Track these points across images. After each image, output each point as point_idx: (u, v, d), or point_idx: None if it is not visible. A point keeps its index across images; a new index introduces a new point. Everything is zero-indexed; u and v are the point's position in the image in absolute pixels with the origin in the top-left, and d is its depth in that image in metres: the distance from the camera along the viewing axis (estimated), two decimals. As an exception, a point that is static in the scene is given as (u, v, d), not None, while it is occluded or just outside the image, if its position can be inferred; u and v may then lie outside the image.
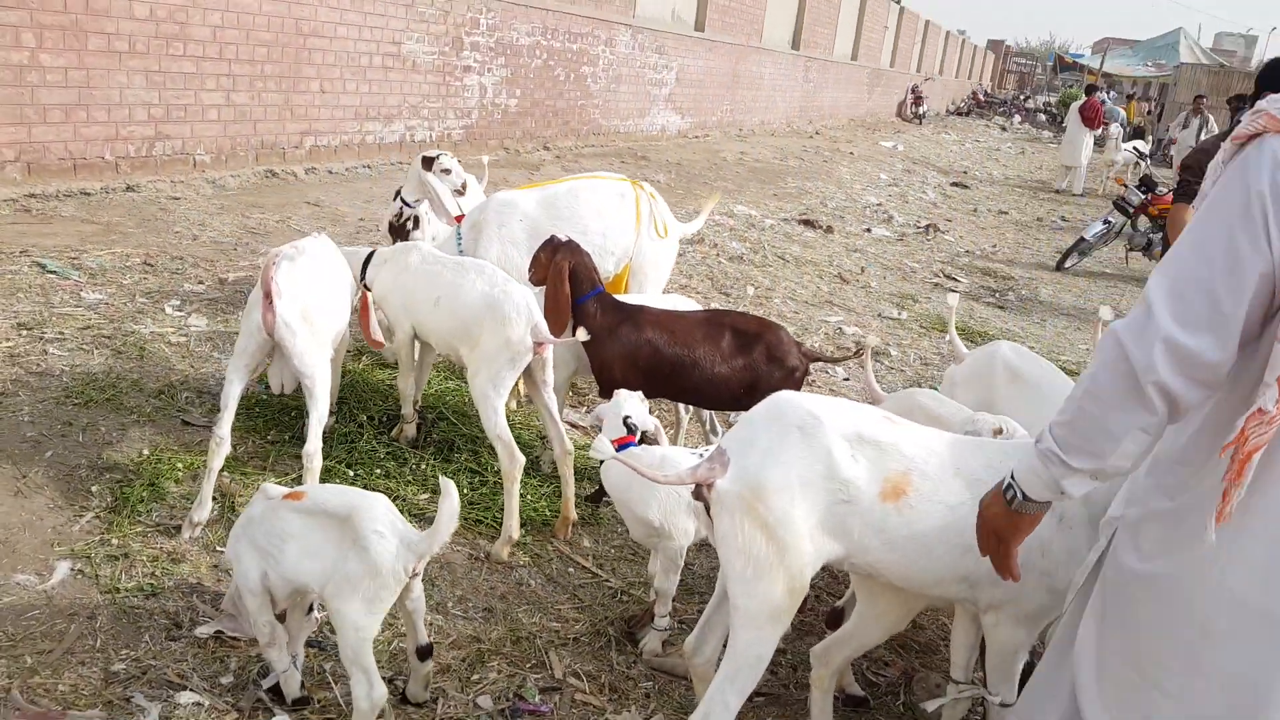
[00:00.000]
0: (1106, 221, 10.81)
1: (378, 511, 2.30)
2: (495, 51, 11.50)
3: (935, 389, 3.58)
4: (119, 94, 7.16)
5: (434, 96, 10.62)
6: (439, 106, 10.73)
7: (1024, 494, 1.73)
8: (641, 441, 2.93)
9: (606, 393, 3.37)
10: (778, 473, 2.08)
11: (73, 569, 2.77)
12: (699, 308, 3.84)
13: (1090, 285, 10.22)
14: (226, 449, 3.04)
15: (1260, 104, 1.59)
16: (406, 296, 3.58)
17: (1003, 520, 1.79)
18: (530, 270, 3.60)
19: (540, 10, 12.21)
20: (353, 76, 9.39)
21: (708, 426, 4.27)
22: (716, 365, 3.43)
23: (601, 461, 2.90)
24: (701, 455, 2.74)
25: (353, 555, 2.25)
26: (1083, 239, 10.74)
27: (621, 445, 2.89)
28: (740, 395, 3.48)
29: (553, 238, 3.61)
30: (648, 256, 4.43)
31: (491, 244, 4.34)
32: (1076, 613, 1.92)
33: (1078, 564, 2.07)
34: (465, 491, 3.56)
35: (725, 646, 2.22)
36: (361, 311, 3.70)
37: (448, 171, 4.61)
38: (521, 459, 3.27)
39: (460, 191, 4.61)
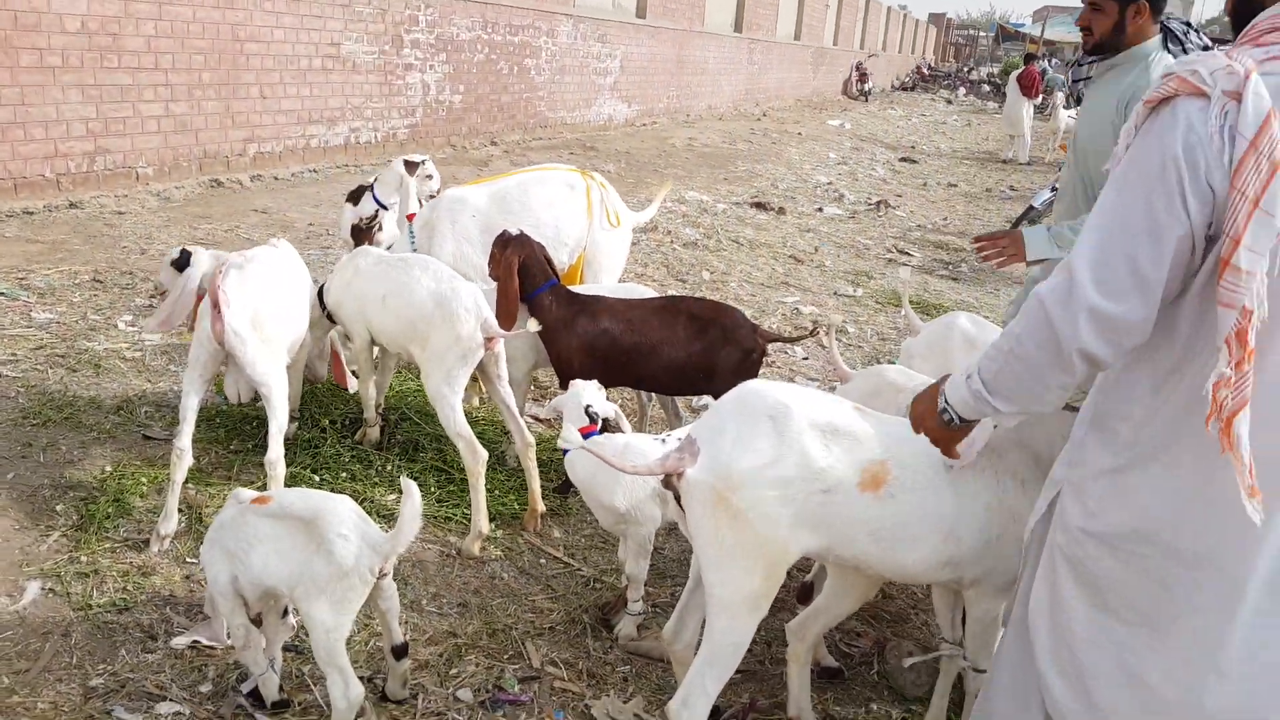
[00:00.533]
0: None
1: (342, 514, 2.32)
2: (436, 48, 11.43)
3: (894, 363, 3.65)
4: (55, 110, 7.06)
5: (376, 96, 10.54)
6: (382, 106, 10.66)
7: (960, 418, 1.88)
8: (603, 430, 2.97)
9: (566, 384, 3.40)
10: (749, 461, 2.08)
11: (43, 588, 2.76)
12: (655, 295, 3.88)
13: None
14: (188, 460, 3.04)
15: (1170, 65, 1.63)
16: (358, 300, 3.58)
17: (937, 431, 1.95)
18: (489, 266, 3.62)
19: (479, 4, 12.16)
20: (293, 80, 9.30)
21: (671, 412, 4.31)
22: (673, 351, 3.48)
23: (566, 451, 2.94)
24: (664, 441, 2.79)
25: (319, 558, 2.27)
26: (1031, 206, 10.89)
27: (585, 434, 2.93)
28: (699, 380, 3.53)
29: (504, 232, 3.63)
30: (601, 246, 4.46)
31: (445, 241, 4.35)
32: (1030, 575, 1.95)
33: None
34: (433, 489, 3.59)
35: (704, 631, 2.25)
36: (333, 356, 3.72)
37: (430, 177, 4.68)
38: (484, 454, 3.30)
39: (434, 195, 4.68)
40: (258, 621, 2.43)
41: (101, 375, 4.21)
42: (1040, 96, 17.94)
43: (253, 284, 3.11)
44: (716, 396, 3.61)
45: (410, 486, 2.28)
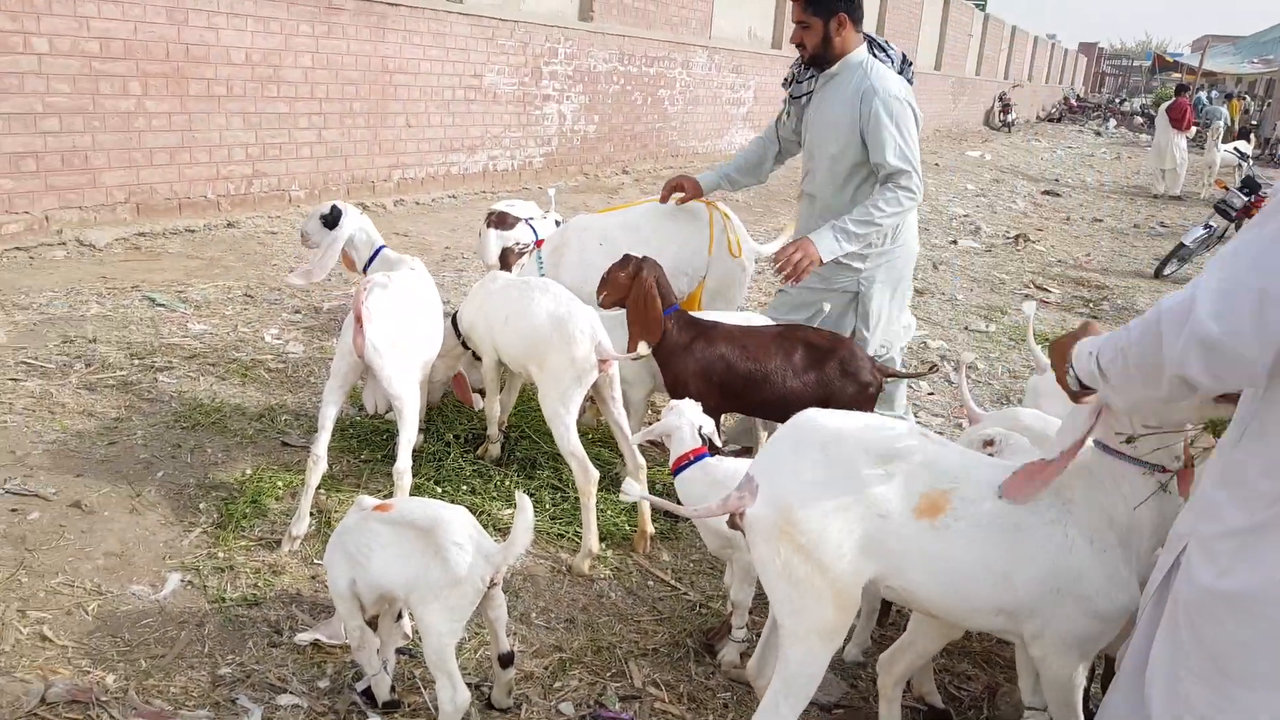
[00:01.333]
0: (1208, 226, 10.49)
1: (458, 524, 2.41)
2: (573, 79, 11.73)
3: (1021, 401, 3.56)
4: (219, 135, 7.55)
5: (514, 126, 10.89)
6: (519, 135, 11.00)
7: (1080, 381, 1.93)
8: (713, 451, 2.99)
9: None
10: (805, 494, 2.06)
11: (183, 580, 2.95)
12: (772, 324, 3.89)
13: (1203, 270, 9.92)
14: (323, 467, 3.20)
15: None
16: (486, 321, 3.72)
17: (1066, 388, 2.02)
18: (601, 292, 3.68)
19: (617, 37, 12.43)
20: (436, 110, 9.71)
21: None
22: (788, 379, 3.48)
23: (677, 473, 2.97)
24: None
25: (434, 565, 2.36)
26: (1182, 244, 10.43)
27: (697, 456, 2.95)
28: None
29: (627, 256, 3.70)
30: (721, 275, 4.50)
31: (572, 268, 4.46)
32: (1146, 634, 1.87)
33: (1119, 587, 2.05)
34: (547, 507, 3.67)
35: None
36: (457, 377, 3.89)
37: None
38: (595, 474, 3.36)
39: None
40: (374, 624, 2.54)
41: (247, 384, 4.47)
42: (1193, 129, 17.13)
43: (394, 303, 3.27)
44: None
45: (524, 500, 2.36)
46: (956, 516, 2.07)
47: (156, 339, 4.86)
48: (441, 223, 8.85)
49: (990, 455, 2.62)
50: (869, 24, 22.11)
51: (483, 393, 3.93)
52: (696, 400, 3.08)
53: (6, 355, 4.36)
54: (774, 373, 3.48)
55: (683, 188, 4.38)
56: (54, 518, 3.15)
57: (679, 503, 2.81)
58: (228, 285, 6.01)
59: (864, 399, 3.48)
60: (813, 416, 2.23)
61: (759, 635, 3.06)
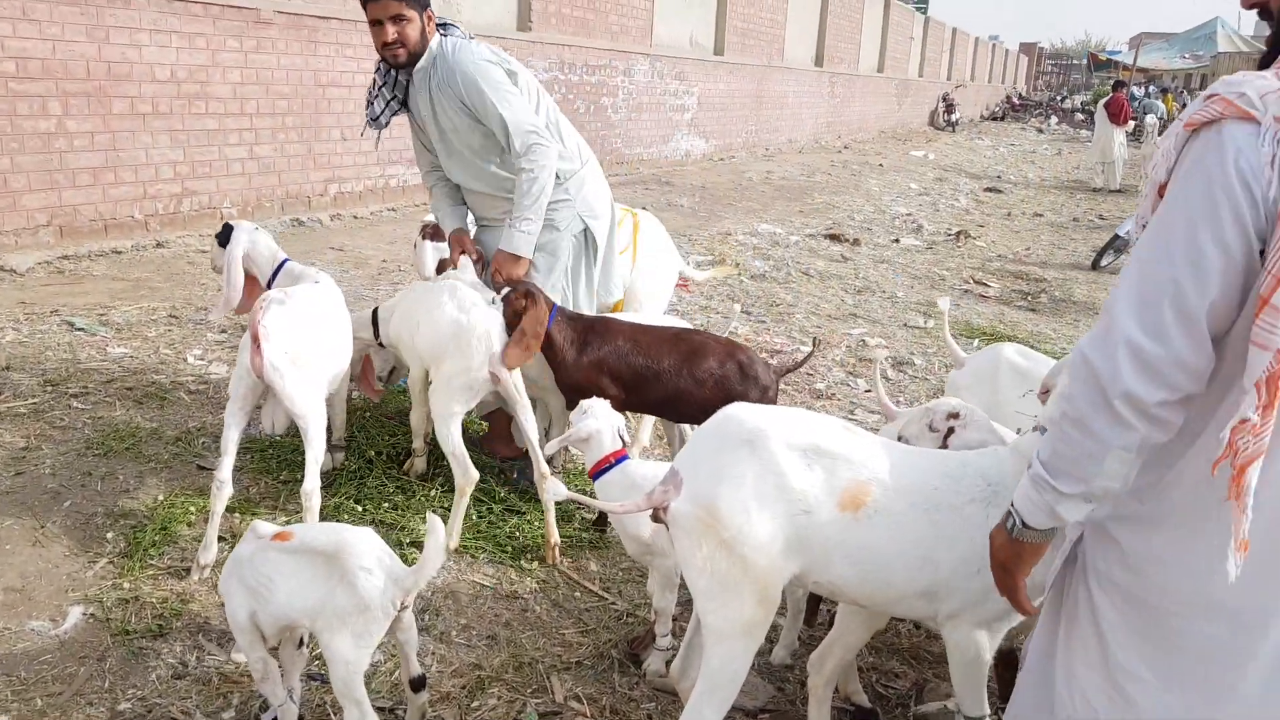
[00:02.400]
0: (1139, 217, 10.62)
1: (365, 547, 2.33)
2: (514, 88, 11.64)
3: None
4: (145, 154, 7.40)
5: (455, 136, 10.77)
6: (461, 146, 10.89)
7: (1022, 521, 1.67)
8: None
9: (571, 404, 3.38)
10: (728, 489, 2.05)
11: (85, 614, 2.85)
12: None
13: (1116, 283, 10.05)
14: (228, 492, 3.11)
15: (1214, 87, 1.50)
16: (407, 327, 3.64)
17: (1006, 550, 1.72)
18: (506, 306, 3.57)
19: (556, 46, 12.38)
20: (373, 122, 9.56)
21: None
22: (682, 379, 3.47)
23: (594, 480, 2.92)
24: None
25: (341, 591, 2.28)
26: (1117, 235, 10.55)
27: (618, 459, 2.88)
28: (708, 411, 3.54)
29: (520, 284, 3.62)
30: (641, 282, 4.49)
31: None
32: (1049, 622, 1.86)
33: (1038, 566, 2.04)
34: (471, 518, 3.60)
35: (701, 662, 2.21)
36: (364, 363, 3.81)
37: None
38: (475, 475, 3.42)
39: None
40: (275, 651, 2.46)
41: (166, 408, 4.36)
42: (1130, 123, 17.44)
43: (292, 319, 3.18)
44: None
45: (435, 522, 2.29)
46: (878, 507, 2.06)
47: (73, 364, 4.72)
48: (380, 236, 8.74)
49: (952, 428, 2.59)
50: (808, 31, 22.31)
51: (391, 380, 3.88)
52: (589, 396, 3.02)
53: (-90, 386, 4.22)
54: (668, 371, 3.47)
55: (465, 246, 3.94)
56: (-50, 553, 3.03)
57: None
58: (152, 307, 5.87)
59: (764, 401, 3.48)
60: (736, 412, 2.20)
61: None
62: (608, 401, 2.95)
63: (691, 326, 3.84)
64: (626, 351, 3.51)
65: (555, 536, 3.48)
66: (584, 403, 2.91)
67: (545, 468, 3.50)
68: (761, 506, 2.04)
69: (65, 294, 5.98)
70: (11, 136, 6.43)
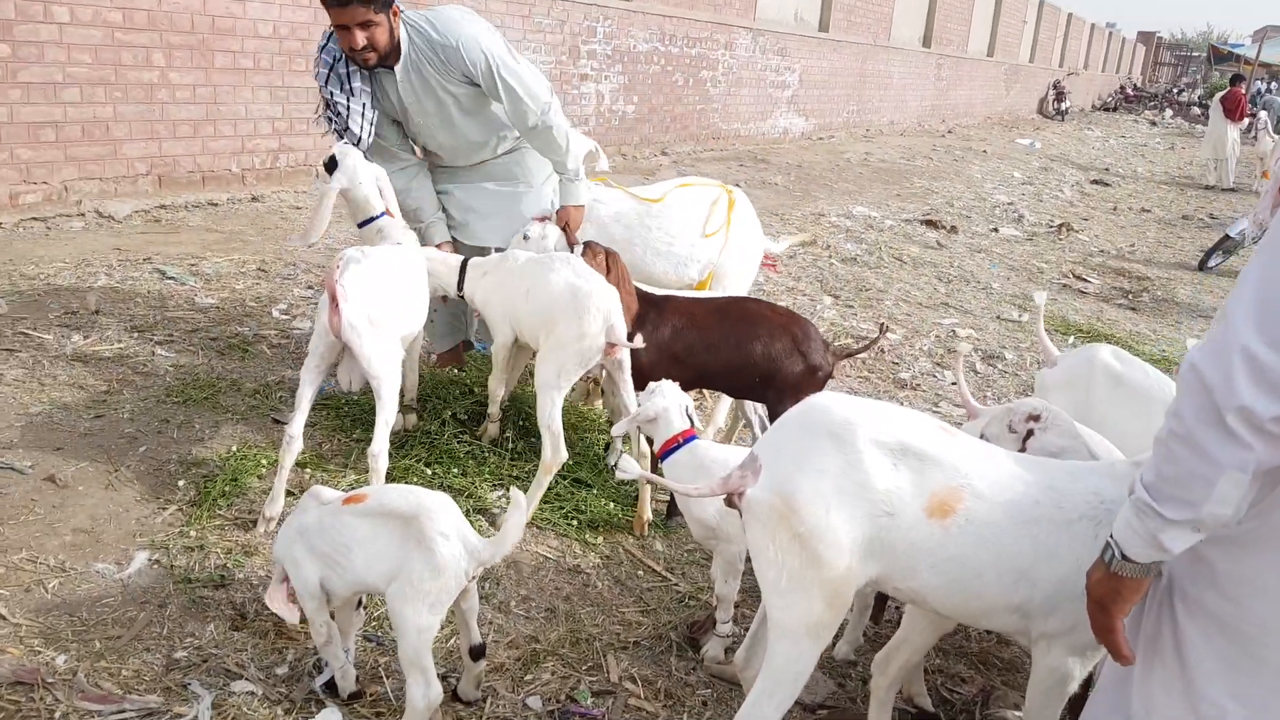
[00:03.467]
0: (1253, 218, 10.06)
1: (443, 513, 2.28)
2: (612, 59, 11.57)
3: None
4: (245, 109, 7.50)
5: (550, 104, 10.73)
6: (555, 114, 10.85)
7: (1122, 553, 1.52)
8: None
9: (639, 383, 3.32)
10: (809, 481, 1.92)
11: (150, 559, 2.86)
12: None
13: (1234, 286, 9.55)
14: (298, 446, 3.10)
15: None
16: (506, 297, 3.58)
17: (1104, 585, 1.58)
18: None
19: (658, 16, 12.24)
20: (469, 86, 9.57)
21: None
22: (730, 351, 3.43)
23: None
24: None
25: (417, 556, 2.23)
26: (1227, 236, 10.02)
27: (687, 438, 2.80)
28: (756, 385, 3.51)
29: (592, 245, 3.65)
30: (728, 262, 4.39)
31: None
32: (1130, 635, 1.72)
33: None
34: (537, 491, 3.54)
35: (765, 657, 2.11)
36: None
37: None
38: (564, 456, 3.32)
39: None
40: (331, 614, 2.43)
41: (247, 360, 4.39)
42: (1246, 120, 16.58)
43: (370, 279, 3.14)
44: (773, 408, 3.50)
45: (518, 497, 2.23)
46: (970, 515, 1.92)
47: (161, 312, 4.80)
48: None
49: (1031, 430, 2.46)
50: (918, 11, 21.72)
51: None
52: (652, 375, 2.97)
53: (5, 325, 4.32)
54: (718, 343, 3.43)
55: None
56: (26, 492, 3.07)
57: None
58: (243, 259, 5.94)
59: (812, 382, 3.39)
60: (824, 402, 2.07)
61: (747, 629, 2.93)
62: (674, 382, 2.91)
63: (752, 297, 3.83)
64: (683, 328, 3.51)
65: (648, 514, 3.45)
66: (652, 384, 2.84)
67: (644, 446, 3.42)
68: (842, 504, 1.91)
69: (159, 242, 6.10)
70: (115, 85, 6.57)
